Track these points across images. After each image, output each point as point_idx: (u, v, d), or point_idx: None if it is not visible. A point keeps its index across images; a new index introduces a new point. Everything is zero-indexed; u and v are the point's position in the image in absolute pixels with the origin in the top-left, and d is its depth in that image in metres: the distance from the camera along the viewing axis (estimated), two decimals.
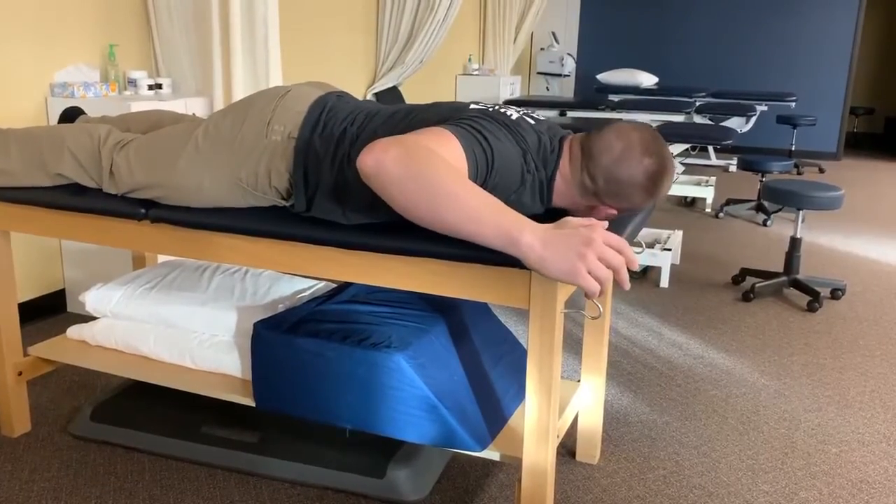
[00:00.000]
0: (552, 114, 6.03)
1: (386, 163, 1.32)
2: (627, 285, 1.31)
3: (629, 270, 4.01)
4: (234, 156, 1.68)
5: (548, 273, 1.28)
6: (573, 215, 1.68)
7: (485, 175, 1.47)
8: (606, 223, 1.33)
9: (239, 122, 1.70)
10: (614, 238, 1.30)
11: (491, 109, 1.60)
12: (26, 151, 1.92)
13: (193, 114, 2.77)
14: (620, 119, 5.53)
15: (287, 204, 1.70)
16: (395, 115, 1.65)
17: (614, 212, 1.67)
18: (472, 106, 1.62)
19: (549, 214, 1.73)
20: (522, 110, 1.69)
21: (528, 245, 1.28)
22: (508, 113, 1.61)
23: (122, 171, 1.79)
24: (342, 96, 1.76)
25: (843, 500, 2.04)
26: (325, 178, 1.62)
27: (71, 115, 2.31)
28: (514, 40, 7.94)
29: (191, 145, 1.72)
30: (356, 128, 1.64)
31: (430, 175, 1.30)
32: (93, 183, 1.87)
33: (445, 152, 1.39)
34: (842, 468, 2.20)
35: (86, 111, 2.37)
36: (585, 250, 1.26)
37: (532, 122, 1.65)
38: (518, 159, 1.54)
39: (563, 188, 1.63)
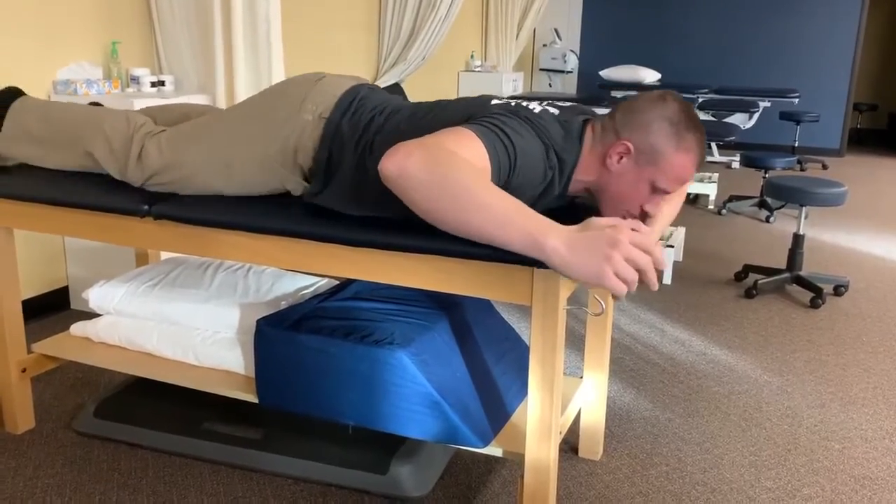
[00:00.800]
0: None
1: (408, 168, 1.32)
2: (655, 286, 1.28)
3: None
4: (265, 131, 1.70)
5: (573, 276, 1.27)
6: (596, 205, 1.66)
7: (508, 173, 1.46)
8: (633, 223, 1.30)
9: (272, 101, 1.73)
10: (641, 238, 1.27)
11: (513, 104, 1.58)
12: (62, 125, 1.94)
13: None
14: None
15: (306, 186, 1.70)
16: (418, 111, 1.65)
17: (641, 200, 1.59)
18: (494, 101, 1.60)
19: (571, 209, 1.71)
20: (546, 102, 1.66)
21: (552, 248, 1.27)
22: (531, 107, 1.59)
23: (151, 154, 1.80)
24: (374, 88, 1.78)
25: (846, 496, 2.04)
26: (346, 161, 1.63)
27: None
28: (517, 37, 7.93)
29: (222, 122, 1.76)
30: (383, 118, 1.65)
31: (452, 180, 1.30)
32: (115, 170, 1.86)
33: (468, 153, 1.38)
34: (844, 464, 2.20)
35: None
36: (611, 252, 1.24)
37: (555, 111, 1.62)
38: (541, 155, 1.52)
39: (586, 165, 1.60)
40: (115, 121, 1.88)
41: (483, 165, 1.41)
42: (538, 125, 1.54)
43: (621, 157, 1.57)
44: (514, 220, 1.29)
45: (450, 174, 1.31)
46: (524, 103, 1.61)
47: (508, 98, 1.66)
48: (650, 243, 1.27)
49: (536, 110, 1.58)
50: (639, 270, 1.26)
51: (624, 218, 1.63)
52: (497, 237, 1.31)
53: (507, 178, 1.47)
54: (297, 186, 1.73)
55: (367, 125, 1.64)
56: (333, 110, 1.67)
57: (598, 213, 1.68)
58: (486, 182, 1.33)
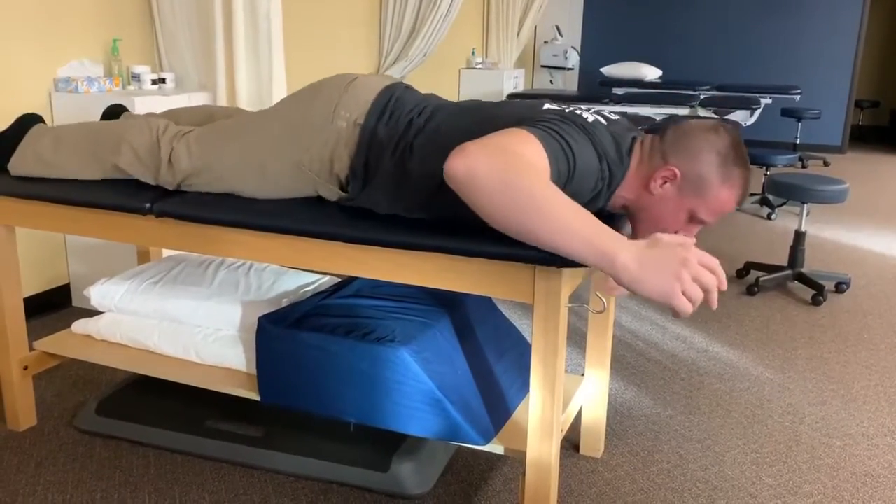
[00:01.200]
0: None
1: (477, 170, 1.28)
2: (716, 304, 1.27)
3: None
4: (299, 139, 1.68)
5: (642, 292, 1.25)
6: (631, 218, 1.64)
7: (565, 181, 1.43)
8: (695, 240, 1.29)
9: (305, 107, 1.70)
10: (707, 257, 1.26)
11: (567, 111, 1.55)
12: (80, 145, 1.91)
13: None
14: (625, 113, 5.49)
15: (341, 194, 1.68)
16: (461, 112, 1.62)
17: (684, 216, 1.57)
18: (547, 106, 1.57)
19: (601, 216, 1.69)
20: (594, 109, 1.63)
21: (622, 265, 1.24)
22: (584, 115, 1.56)
23: (181, 157, 1.78)
24: (408, 88, 1.74)
25: (847, 493, 2.04)
26: (384, 165, 1.60)
27: (113, 112, 2.29)
28: (518, 34, 7.92)
29: (255, 126, 1.73)
30: (423, 119, 1.62)
31: (520, 186, 1.27)
32: (148, 176, 1.85)
33: (524, 145, 1.35)
34: (846, 462, 2.20)
35: (94, 108, 2.35)
36: (681, 270, 1.22)
37: (605, 122, 1.59)
38: (595, 165, 1.49)
39: (630, 183, 1.58)
40: (136, 129, 1.86)
41: (543, 171, 1.37)
42: (593, 134, 1.50)
43: (665, 182, 1.55)
44: (581, 234, 1.26)
45: (518, 181, 1.27)
46: (577, 110, 1.57)
47: (562, 105, 1.62)
48: (716, 263, 1.26)
49: (590, 119, 1.55)
50: (704, 290, 1.25)
51: None
52: (564, 248, 1.27)
53: (563, 186, 1.43)
54: (331, 194, 1.71)
55: (405, 128, 1.61)
56: (368, 116, 1.64)
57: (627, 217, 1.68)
58: (554, 190, 1.29)
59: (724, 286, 1.28)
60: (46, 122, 3.10)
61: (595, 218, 1.29)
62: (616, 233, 1.28)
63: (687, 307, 1.23)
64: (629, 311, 3.38)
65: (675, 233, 1.60)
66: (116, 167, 1.88)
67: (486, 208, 1.30)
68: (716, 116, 6.34)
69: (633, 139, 1.62)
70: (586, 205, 1.55)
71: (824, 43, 8.16)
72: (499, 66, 7.69)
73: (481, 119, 1.56)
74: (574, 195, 1.47)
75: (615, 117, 1.66)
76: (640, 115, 5.14)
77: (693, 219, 1.58)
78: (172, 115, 2.13)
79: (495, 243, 1.45)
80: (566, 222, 1.26)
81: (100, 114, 2.36)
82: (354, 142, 1.64)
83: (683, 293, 1.23)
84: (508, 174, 1.27)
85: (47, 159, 1.93)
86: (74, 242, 3.25)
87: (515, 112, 1.56)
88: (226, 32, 3.39)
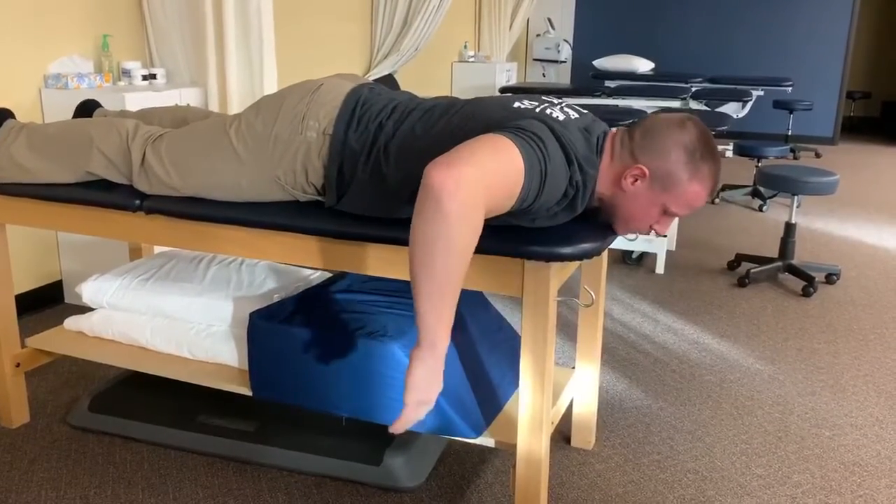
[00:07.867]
0: None
1: (445, 201, 1.23)
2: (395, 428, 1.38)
3: (630, 255, 4.02)
4: (270, 154, 1.67)
5: (409, 382, 1.34)
6: (605, 212, 1.64)
7: (534, 196, 1.42)
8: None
9: (271, 120, 1.68)
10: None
11: (538, 109, 1.53)
12: (51, 151, 1.90)
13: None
14: (616, 105, 5.48)
15: (323, 198, 1.68)
16: (432, 111, 1.61)
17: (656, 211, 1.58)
18: (517, 105, 1.55)
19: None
20: (562, 103, 1.62)
21: (432, 357, 1.32)
22: (555, 115, 1.53)
23: (156, 170, 1.77)
24: (374, 88, 1.73)
25: (836, 482, 2.06)
26: (359, 173, 1.61)
27: (87, 107, 2.27)
28: (510, 27, 7.91)
29: (225, 146, 1.70)
30: (392, 123, 1.61)
31: (453, 246, 1.24)
32: (122, 178, 1.85)
33: (508, 170, 1.33)
34: (835, 451, 2.22)
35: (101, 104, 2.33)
36: (422, 406, 1.35)
37: (575, 116, 1.58)
38: (565, 175, 1.48)
39: (603, 179, 1.58)
40: (105, 135, 1.84)
41: (515, 185, 1.35)
42: (563, 135, 1.48)
43: (636, 180, 1.55)
44: (441, 310, 1.29)
45: (461, 240, 1.25)
46: (546, 109, 1.55)
47: (521, 95, 1.61)
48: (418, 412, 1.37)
49: (561, 118, 1.53)
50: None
51: (634, 233, 1.66)
52: (424, 308, 1.29)
53: (532, 200, 1.42)
54: (309, 200, 1.71)
55: (375, 133, 1.61)
56: (336, 124, 1.63)
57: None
58: (467, 258, 1.29)
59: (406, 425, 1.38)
60: (41, 118, 3.10)
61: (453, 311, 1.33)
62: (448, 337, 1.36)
63: (399, 425, 1.37)
64: (621, 303, 3.40)
65: (650, 227, 1.61)
66: (90, 173, 1.87)
67: (419, 228, 1.26)
68: (708, 108, 6.35)
69: (604, 133, 1.61)
70: (562, 211, 1.54)
71: (816, 35, 8.17)
72: (491, 60, 7.69)
73: (451, 120, 1.56)
74: (540, 204, 1.45)
75: (584, 111, 1.65)
76: (633, 107, 5.14)
77: (666, 212, 1.59)
78: (145, 115, 2.12)
79: (485, 238, 1.45)
80: (444, 288, 1.28)
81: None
82: (326, 152, 1.63)
83: (409, 418, 1.36)
84: (463, 227, 1.24)
85: (24, 165, 1.92)
86: (66, 239, 3.25)
87: (489, 112, 1.54)
88: (216, 27, 3.39)
